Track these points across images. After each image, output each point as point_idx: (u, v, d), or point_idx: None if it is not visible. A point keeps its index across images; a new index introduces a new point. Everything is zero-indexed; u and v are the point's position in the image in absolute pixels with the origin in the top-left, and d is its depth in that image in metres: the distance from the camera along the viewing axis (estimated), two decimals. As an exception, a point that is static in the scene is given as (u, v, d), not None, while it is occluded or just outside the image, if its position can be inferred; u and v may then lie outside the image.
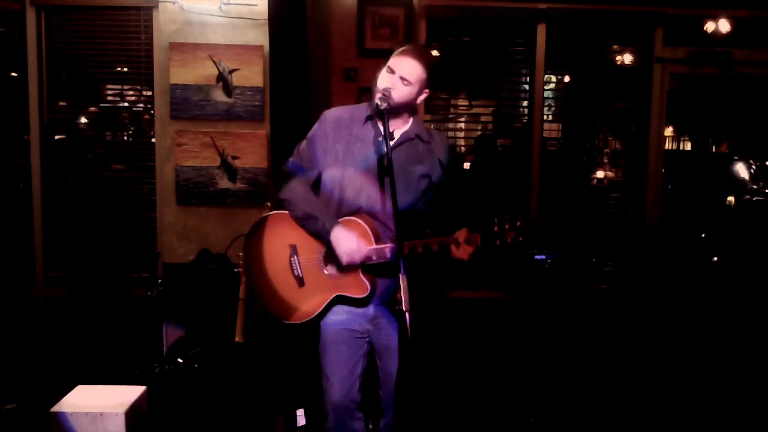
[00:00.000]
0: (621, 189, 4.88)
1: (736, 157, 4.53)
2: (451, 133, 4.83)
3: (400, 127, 2.25)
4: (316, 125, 2.30)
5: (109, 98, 4.45)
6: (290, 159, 2.33)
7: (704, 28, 4.48)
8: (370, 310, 2.26)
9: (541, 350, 4.03)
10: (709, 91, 4.81)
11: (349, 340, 2.25)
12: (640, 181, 4.76)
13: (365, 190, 2.20)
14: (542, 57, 4.58)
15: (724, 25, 4.42)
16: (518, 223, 2.10)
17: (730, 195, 4.40)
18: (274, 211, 2.32)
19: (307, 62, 4.20)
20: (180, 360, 3.15)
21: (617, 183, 4.92)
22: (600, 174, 4.92)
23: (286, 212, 2.28)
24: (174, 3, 3.83)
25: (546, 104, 4.71)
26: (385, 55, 2.23)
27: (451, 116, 4.87)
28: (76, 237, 4.30)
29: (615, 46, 4.77)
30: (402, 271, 1.86)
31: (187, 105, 3.91)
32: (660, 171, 4.72)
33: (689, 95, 4.89)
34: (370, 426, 2.48)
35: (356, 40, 4.37)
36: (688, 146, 5.49)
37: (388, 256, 2.14)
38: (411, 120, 2.27)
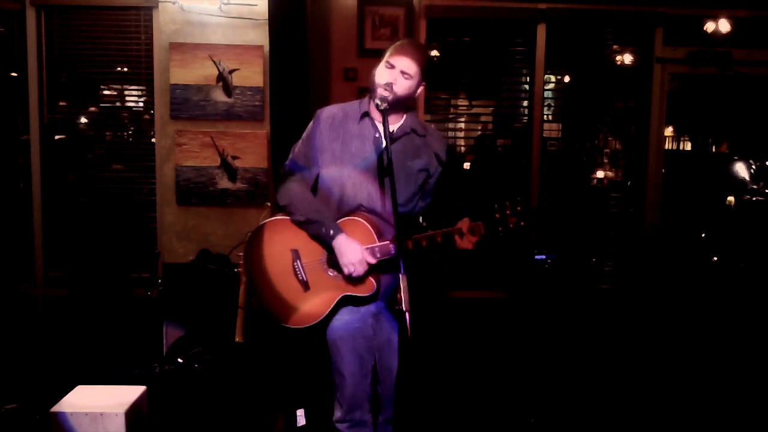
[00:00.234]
0: (621, 189, 4.88)
1: (736, 157, 4.53)
2: (451, 133, 4.83)
3: (395, 123, 2.27)
4: (310, 124, 2.31)
5: (109, 98, 4.46)
6: (287, 160, 2.34)
7: (704, 28, 4.48)
8: (373, 307, 2.27)
9: (541, 350, 4.03)
10: (709, 91, 4.81)
11: (357, 336, 2.25)
12: (640, 181, 4.76)
13: (365, 188, 2.21)
14: (542, 57, 4.58)
15: (724, 25, 4.42)
16: (519, 208, 2.12)
17: (730, 195, 4.40)
18: (272, 218, 2.31)
19: (307, 62, 4.20)
20: (180, 360, 3.15)
21: (617, 183, 4.92)
22: (600, 174, 4.92)
23: (284, 217, 2.27)
24: (174, 3, 3.83)
25: (546, 104, 4.71)
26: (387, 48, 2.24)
27: (451, 116, 4.87)
28: (76, 237, 4.30)
29: (615, 46, 4.77)
30: (402, 271, 1.86)
31: (187, 105, 3.91)
32: (660, 171, 4.72)
33: (689, 95, 4.88)
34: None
35: (356, 40, 4.37)
36: (688, 146, 5.49)
37: (393, 251, 2.13)
38: (406, 115, 2.29)
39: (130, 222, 4.30)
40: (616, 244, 4.77)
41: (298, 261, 2.24)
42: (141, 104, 4.42)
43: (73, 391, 2.85)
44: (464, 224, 2.13)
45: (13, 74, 4.30)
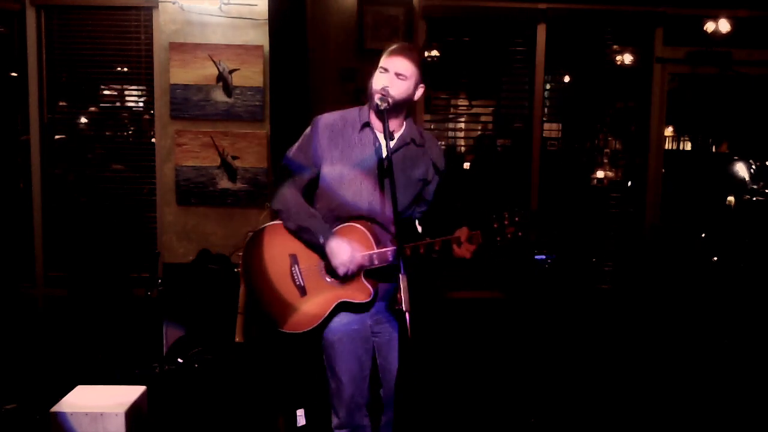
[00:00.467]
0: (621, 189, 4.88)
1: (736, 157, 4.53)
2: (451, 133, 4.83)
3: (396, 130, 2.26)
4: (307, 131, 2.28)
5: (109, 98, 4.46)
6: (282, 161, 2.32)
7: (704, 28, 4.48)
8: (372, 309, 2.27)
9: (541, 350, 4.03)
10: (709, 91, 4.81)
11: (355, 339, 2.25)
12: (640, 181, 4.76)
13: (365, 195, 2.21)
14: (542, 57, 4.58)
15: (724, 25, 4.42)
16: (517, 219, 2.13)
17: (730, 195, 4.40)
18: (272, 222, 2.30)
19: (307, 62, 4.20)
20: (180, 360, 3.16)
21: (617, 183, 4.92)
22: (600, 174, 4.92)
23: None
24: (174, 3, 3.83)
25: (546, 104, 4.71)
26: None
27: (451, 116, 4.87)
28: (76, 237, 4.30)
29: (615, 46, 4.77)
30: (402, 271, 1.86)
31: (187, 105, 3.91)
32: (660, 171, 4.72)
33: (689, 95, 4.88)
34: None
35: (356, 40, 4.37)
36: (688, 146, 5.49)
37: (390, 258, 2.14)
38: (405, 123, 2.29)
39: (130, 222, 4.30)
40: (616, 244, 4.77)
41: (296, 266, 2.24)
42: (141, 104, 4.42)
43: (73, 391, 2.85)
44: (462, 233, 2.14)
45: (13, 74, 4.30)
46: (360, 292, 2.19)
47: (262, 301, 2.28)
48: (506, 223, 2.13)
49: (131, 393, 2.82)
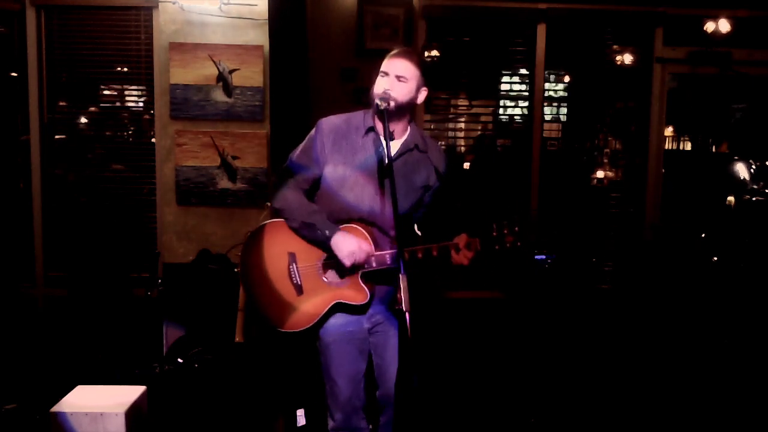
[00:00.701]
0: (621, 189, 4.88)
1: (736, 157, 4.53)
2: (451, 133, 4.83)
3: (400, 136, 2.26)
4: (311, 134, 2.28)
5: (109, 98, 4.46)
6: (286, 163, 2.33)
7: (704, 28, 4.48)
8: (368, 311, 2.27)
9: (541, 350, 4.03)
10: (709, 91, 4.81)
11: (351, 340, 2.25)
12: (640, 181, 4.76)
13: (366, 199, 2.21)
14: (542, 57, 4.58)
15: (724, 25, 4.42)
16: (516, 228, 2.14)
17: (730, 195, 4.40)
18: (272, 220, 2.30)
19: (307, 62, 4.20)
20: (180, 360, 3.15)
21: (617, 183, 4.92)
22: (600, 174, 4.92)
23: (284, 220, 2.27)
24: (174, 3, 3.83)
25: (546, 104, 4.71)
26: (384, 56, 2.24)
27: (451, 116, 4.87)
28: (76, 237, 4.30)
29: (615, 46, 4.78)
30: (402, 272, 1.86)
31: (187, 105, 3.91)
32: (660, 171, 4.72)
33: (689, 95, 4.89)
34: (370, 426, 2.48)
35: (356, 40, 4.37)
36: (688, 146, 5.49)
37: (389, 261, 2.15)
38: (409, 128, 2.29)
39: (130, 222, 4.30)
40: (616, 244, 4.77)
41: (294, 264, 2.24)
42: (141, 104, 4.42)
43: (73, 391, 2.85)
44: (461, 239, 2.15)
45: (13, 74, 4.30)
46: (357, 294, 2.19)
47: (257, 298, 2.28)
48: (505, 232, 2.14)
49: (131, 393, 2.82)
